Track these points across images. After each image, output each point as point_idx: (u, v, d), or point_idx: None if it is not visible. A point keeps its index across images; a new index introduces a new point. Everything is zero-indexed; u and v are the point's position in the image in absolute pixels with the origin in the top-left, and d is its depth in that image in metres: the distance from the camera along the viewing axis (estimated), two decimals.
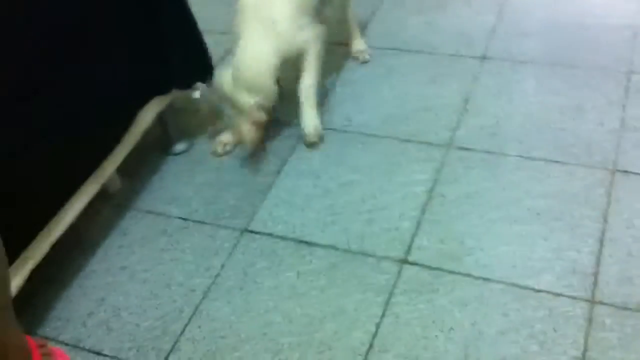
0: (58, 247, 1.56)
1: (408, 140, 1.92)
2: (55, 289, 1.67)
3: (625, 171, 1.74)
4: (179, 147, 2.02)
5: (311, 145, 1.95)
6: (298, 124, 2.02)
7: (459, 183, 1.78)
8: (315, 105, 1.97)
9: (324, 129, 1.99)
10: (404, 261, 1.62)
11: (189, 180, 1.92)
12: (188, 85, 1.92)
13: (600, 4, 2.29)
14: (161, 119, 1.94)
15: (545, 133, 1.87)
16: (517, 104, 1.98)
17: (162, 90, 1.85)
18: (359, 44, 2.27)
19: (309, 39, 1.91)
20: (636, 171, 1.74)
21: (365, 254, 1.65)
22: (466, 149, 1.87)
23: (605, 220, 1.63)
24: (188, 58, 1.88)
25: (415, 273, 1.59)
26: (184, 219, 1.81)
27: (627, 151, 1.79)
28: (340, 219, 1.74)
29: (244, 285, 1.62)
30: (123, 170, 1.82)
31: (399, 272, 1.59)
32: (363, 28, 2.32)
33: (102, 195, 1.76)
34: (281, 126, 2.04)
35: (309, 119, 1.96)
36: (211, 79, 1.95)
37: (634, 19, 2.20)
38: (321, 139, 1.96)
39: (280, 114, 2.08)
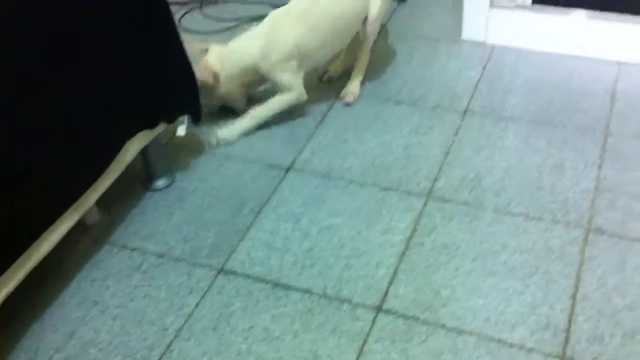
0: (30, 276, 1.54)
1: (389, 189, 1.94)
2: (25, 320, 1.64)
3: (600, 230, 1.77)
4: (160, 183, 2.02)
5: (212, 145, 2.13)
6: (282, 167, 2.04)
7: (437, 233, 1.80)
8: (242, 129, 2.14)
9: (308, 172, 2.01)
10: (380, 309, 1.62)
11: (168, 217, 1.91)
12: (174, 118, 1.94)
13: (583, 67, 2.35)
14: (144, 154, 1.95)
15: (524, 189, 1.91)
16: (497, 159, 2.02)
17: (149, 124, 1.86)
18: (355, 85, 2.30)
19: (286, 83, 2.11)
20: (610, 231, 1.77)
21: (341, 300, 1.64)
22: (445, 200, 1.89)
23: (578, 278, 1.65)
24: (179, 92, 1.90)
25: (390, 321, 1.59)
26: (160, 256, 1.80)
27: (601, 211, 1.82)
28: (317, 264, 1.74)
29: (218, 326, 1.61)
30: (102, 202, 1.81)
31: (374, 320, 1.59)
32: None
33: (79, 227, 1.75)
34: (263, 167, 2.05)
35: (227, 130, 2.14)
36: (198, 115, 1.97)
37: (613, 84, 2.27)
38: (220, 144, 2.13)
39: (264, 155, 2.09)
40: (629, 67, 2.33)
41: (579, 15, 2.35)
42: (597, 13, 2.33)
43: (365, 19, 2.23)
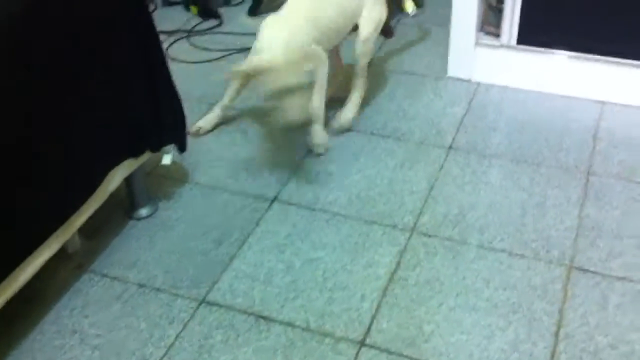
0: (9, 303, 1.52)
1: (373, 222, 1.94)
2: (3, 347, 1.61)
3: (582, 268, 1.78)
4: (143, 211, 2.00)
5: (319, 154, 2.20)
6: (267, 199, 2.03)
7: (420, 268, 1.80)
8: (323, 121, 2.17)
9: (292, 204, 2.01)
10: (362, 343, 1.61)
11: (150, 246, 1.90)
12: (159, 147, 1.93)
13: (566, 107, 2.39)
14: (128, 182, 1.94)
15: (507, 226, 1.91)
16: (481, 195, 2.03)
17: (134, 152, 1.85)
18: (350, 112, 2.30)
19: (319, 55, 2.09)
20: (592, 269, 1.78)
21: (323, 334, 1.63)
22: (429, 235, 1.90)
23: (561, 316, 1.66)
24: (165, 121, 1.89)
25: (373, 356, 1.57)
26: (141, 285, 1.78)
27: (583, 249, 1.83)
28: (300, 296, 1.73)
29: (198, 359, 1.59)
30: (84, 230, 1.79)
31: (357, 355, 1.58)
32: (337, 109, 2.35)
33: (60, 254, 1.72)
34: (248, 198, 2.04)
35: (318, 137, 2.18)
36: (184, 144, 1.97)
37: (596, 123, 2.30)
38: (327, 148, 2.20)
39: (248, 186, 2.09)
40: (611, 107, 2.37)
41: (563, 56, 2.39)
42: (580, 54, 2.37)
43: (356, 28, 2.24)
